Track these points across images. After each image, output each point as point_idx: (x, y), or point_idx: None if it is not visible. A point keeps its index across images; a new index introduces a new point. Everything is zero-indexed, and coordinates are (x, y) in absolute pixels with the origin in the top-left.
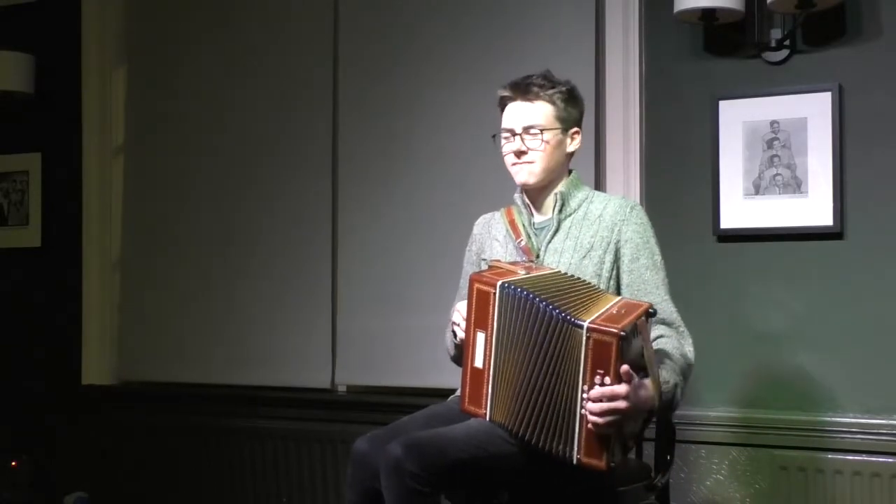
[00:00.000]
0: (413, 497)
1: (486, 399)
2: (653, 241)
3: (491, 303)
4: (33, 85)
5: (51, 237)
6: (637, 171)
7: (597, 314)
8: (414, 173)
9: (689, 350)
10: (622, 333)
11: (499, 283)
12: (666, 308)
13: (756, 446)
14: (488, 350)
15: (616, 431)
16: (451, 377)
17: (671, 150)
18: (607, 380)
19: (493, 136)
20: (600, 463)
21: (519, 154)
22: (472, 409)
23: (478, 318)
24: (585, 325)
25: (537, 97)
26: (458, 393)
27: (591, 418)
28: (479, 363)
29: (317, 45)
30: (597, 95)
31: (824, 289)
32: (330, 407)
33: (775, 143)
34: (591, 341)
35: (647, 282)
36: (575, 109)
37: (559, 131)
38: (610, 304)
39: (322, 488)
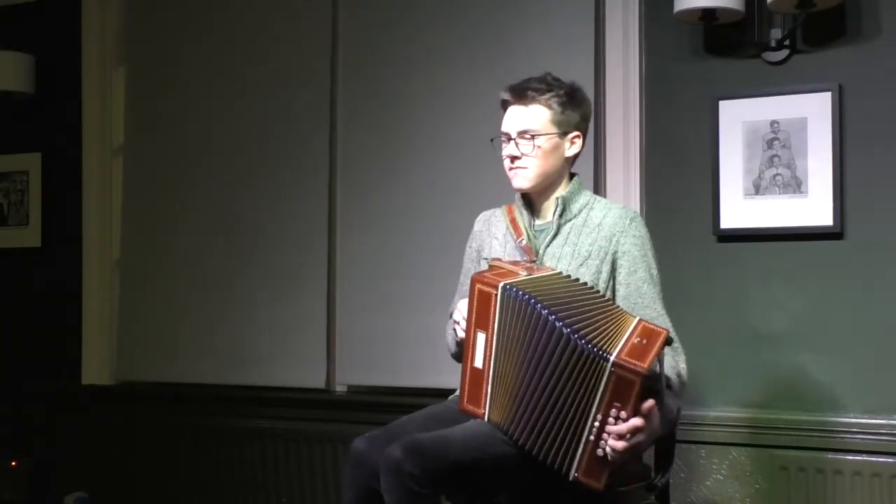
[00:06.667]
0: (413, 499)
1: (485, 399)
2: (650, 253)
3: (492, 304)
4: (33, 85)
5: (51, 237)
6: (637, 172)
7: (620, 343)
8: (413, 172)
9: (683, 367)
10: (646, 374)
11: (500, 285)
12: (664, 323)
13: (756, 446)
14: (489, 351)
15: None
16: (450, 377)
17: (671, 150)
18: (623, 413)
19: (492, 140)
20: (598, 484)
21: (513, 159)
22: (470, 408)
23: (479, 319)
24: (611, 359)
25: (533, 101)
26: (457, 392)
27: (611, 452)
28: (478, 363)
29: (316, 45)
30: (597, 95)
31: (824, 289)
32: (330, 407)
33: (775, 143)
34: (614, 376)
35: (644, 295)
36: (575, 112)
37: (555, 136)
38: (630, 328)
39: (322, 488)
